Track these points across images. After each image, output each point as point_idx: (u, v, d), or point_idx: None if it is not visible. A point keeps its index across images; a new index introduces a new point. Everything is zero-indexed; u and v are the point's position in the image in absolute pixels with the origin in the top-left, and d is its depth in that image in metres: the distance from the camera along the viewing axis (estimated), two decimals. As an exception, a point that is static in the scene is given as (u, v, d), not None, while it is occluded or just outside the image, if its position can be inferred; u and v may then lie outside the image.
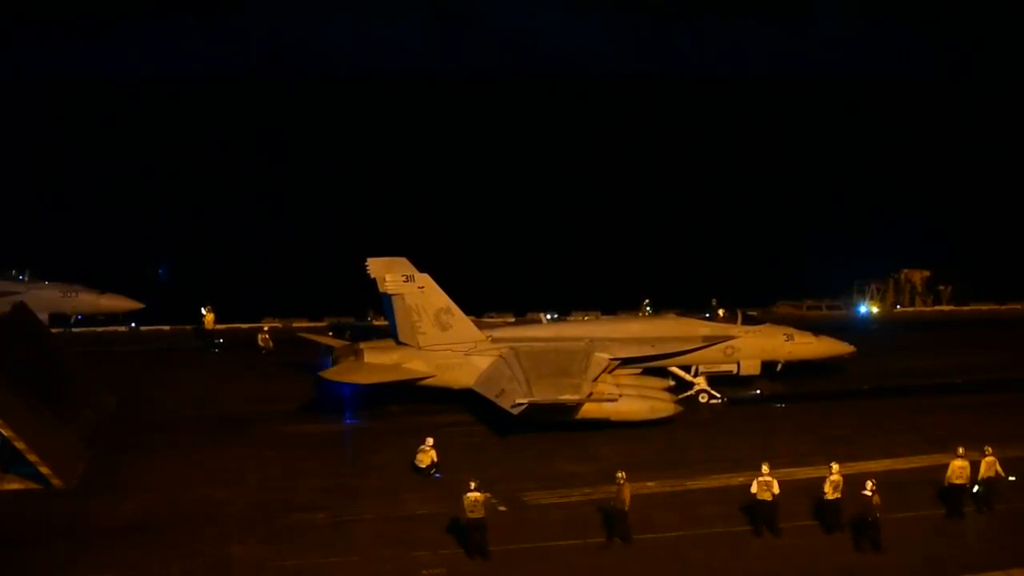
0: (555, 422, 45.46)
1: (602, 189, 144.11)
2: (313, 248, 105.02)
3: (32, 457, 38.40)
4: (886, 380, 55.36)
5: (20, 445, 38.19)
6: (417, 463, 41.35)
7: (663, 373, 50.96)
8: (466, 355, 48.82)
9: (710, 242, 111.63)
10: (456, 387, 48.84)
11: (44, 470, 38.69)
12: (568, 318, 62.17)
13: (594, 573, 34.07)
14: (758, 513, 36.23)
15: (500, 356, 48.47)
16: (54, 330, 61.47)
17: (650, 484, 40.43)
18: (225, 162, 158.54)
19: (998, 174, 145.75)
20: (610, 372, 48.19)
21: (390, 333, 49.94)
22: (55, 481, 38.90)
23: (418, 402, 49.63)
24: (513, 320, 64.29)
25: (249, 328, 66.08)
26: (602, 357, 48.26)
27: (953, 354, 60.63)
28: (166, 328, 67.33)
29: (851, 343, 54.17)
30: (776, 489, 35.86)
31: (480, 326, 51.37)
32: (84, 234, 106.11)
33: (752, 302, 64.78)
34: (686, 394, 50.73)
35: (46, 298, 63.82)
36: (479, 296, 63.74)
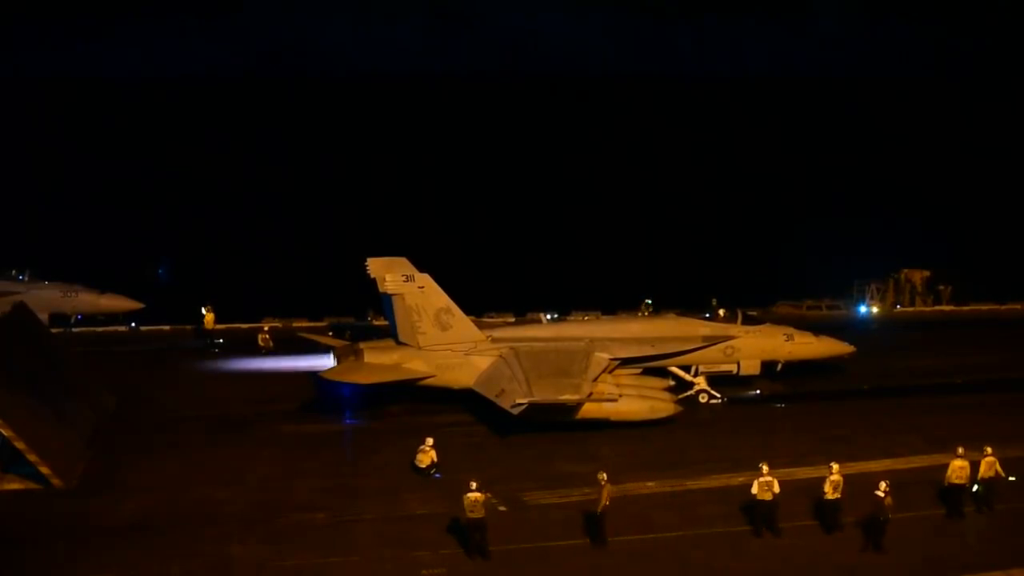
0: (555, 422, 45.46)
1: (602, 189, 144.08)
2: (313, 248, 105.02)
3: (32, 457, 38.40)
4: (886, 380, 55.37)
5: (20, 445, 38.19)
6: (417, 463, 41.36)
7: (663, 373, 50.98)
8: (466, 355, 48.83)
9: (710, 242, 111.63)
10: (456, 387, 48.84)
11: (44, 470, 38.69)
12: (568, 318, 62.19)
13: (594, 573, 34.09)
14: (758, 513, 36.24)
15: (500, 356, 48.48)
16: (54, 330, 61.47)
17: (650, 484, 40.50)
18: (225, 162, 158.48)
19: (998, 174, 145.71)
20: (610, 372, 48.20)
21: (390, 333, 49.95)
22: (55, 481, 38.90)
23: (418, 402, 49.65)
24: (513, 320, 64.31)
25: (249, 328, 66.12)
26: (602, 357, 48.27)
27: (953, 354, 60.64)
28: (166, 328, 67.35)
29: (851, 343, 54.20)
30: (776, 489, 35.88)
31: (480, 326, 51.37)
32: (84, 234, 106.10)
33: (752, 302, 64.79)
34: (686, 394, 50.74)
35: (46, 298, 63.81)
36: (479, 296, 63.74)
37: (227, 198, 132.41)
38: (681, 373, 51.59)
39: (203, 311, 64.34)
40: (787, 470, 40.03)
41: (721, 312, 52.40)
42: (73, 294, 65.30)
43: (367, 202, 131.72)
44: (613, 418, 46.21)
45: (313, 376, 50.72)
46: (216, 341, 63.17)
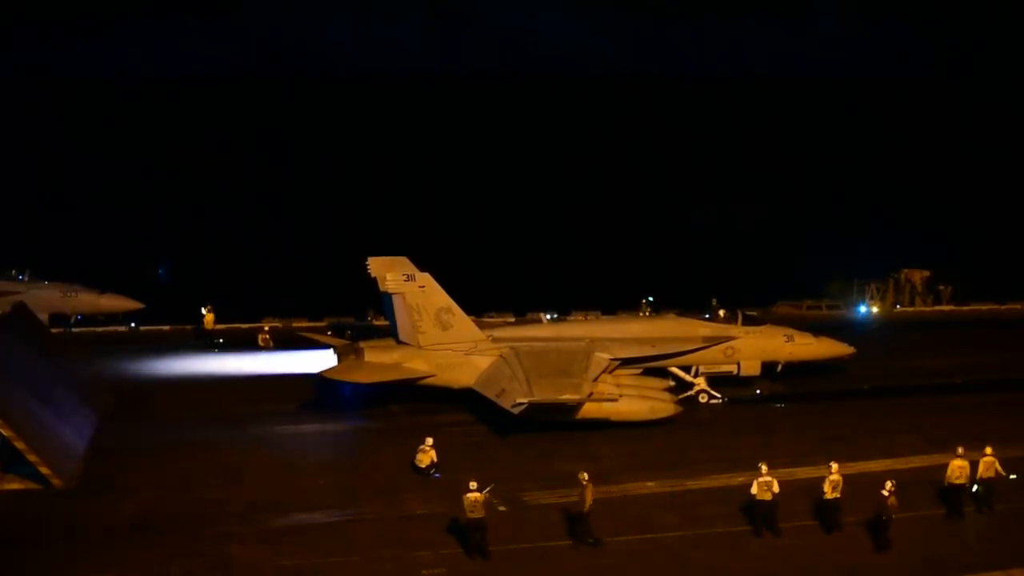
0: (555, 422, 45.48)
1: (602, 189, 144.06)
2: (313, 248, 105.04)
3: (32, 457, 38.37)
4: (886, 380, 55.42)
5: (20, 445, 38.17)
6: (417, 463, 41.35)
7: (663, 373, 50.99)
8: (466, 355, 48.85)
9: (710, 242, 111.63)
10: (456, 387, 48.86)
11: (44, 470, 38.66)
12: (568, 318, 62.23)
13: (594, 573, 34.07)
14: (758, 513, 36.23)
15: (500, 356, 48.51)
16: (54, 330, 61.54)
17: (650, 484, 40.51)
18: (225, 162, 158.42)
19: (998, 174, 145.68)
20: (610, 372, 48.21)
21: (390, 332, 49.97)
22: (55, 481, 38.87)
23: (418, 402, 49.66)
24: (513, 320, 64.34)
25: (249, 328, 66.13)
26: (602, 357, 48.28)
27: (953, 354, 60.74)
28: (166, 328, 67.37)
29: (851, 343, 54.23)
30: (776, 489, 35.87)
31: (480, 326, 51.39)
32: (84, 234, 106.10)
33: (752, 302, 64.80)
34: (686, 394, 50.77)
35: (46, 298, 63.87)
36: (479, 296, 63.76)
37: (227, 198, 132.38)
38: (681, 373, 51.61)
39: (203, 311, 64.41)
40: (787, 470, 40.06)
41: (721, 312, 52.46)
42: (73, 294, 65.35)
43: (367, 202, 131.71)
44: (613, 418, 46.23)
45: (313, 375, 50.71)
46: (216, 341, 63.21)
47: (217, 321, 64.56)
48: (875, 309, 76.06)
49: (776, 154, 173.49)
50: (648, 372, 50.28)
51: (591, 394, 45.12)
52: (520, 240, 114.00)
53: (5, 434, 38.21)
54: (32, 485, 39.00)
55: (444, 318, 48.85)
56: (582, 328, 52.80)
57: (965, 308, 76.12)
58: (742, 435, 46.35)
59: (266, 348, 61.35)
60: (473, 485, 34.12)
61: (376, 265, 49.07)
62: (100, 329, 66.68)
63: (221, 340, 63.44)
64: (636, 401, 46.89)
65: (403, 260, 49.16)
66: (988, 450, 38.15)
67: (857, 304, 76.37)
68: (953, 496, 37.85)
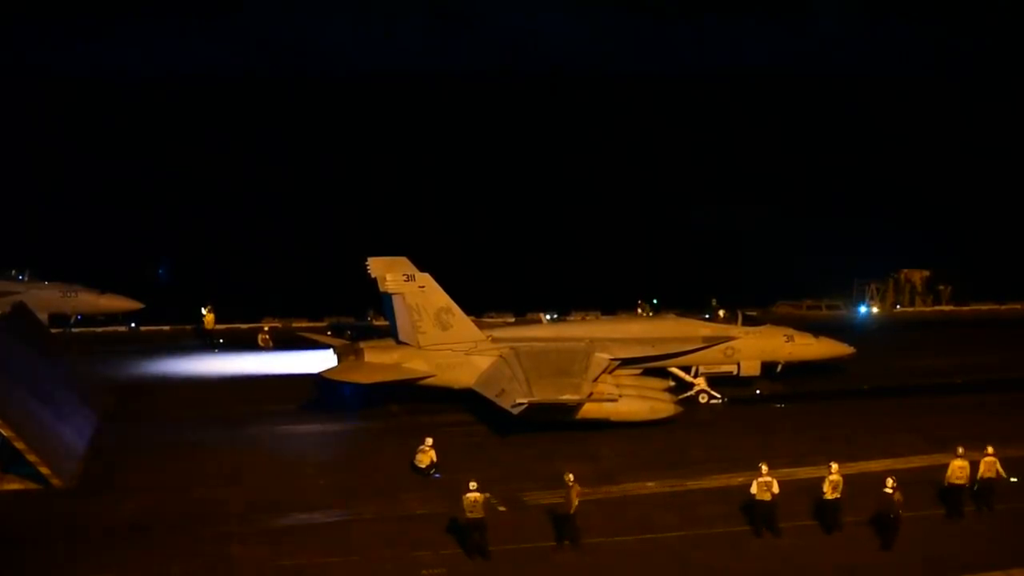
0: (555, 422, 45.48)
1: (602, 189, 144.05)
2: (313, 248, 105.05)
3: (32, 457, 38.38)
4: (886, 380, 55.42)
5: (20, 445, 38.17)
6: (417, 463, 41.34)
7: (663, 374, 50.99)
8: (466, 355, 48.85)
9: (710, 242, 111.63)
10: (456, 387, 48.86)
11: (44, 470, 38.67)
12: (568, 318, 62.24)
13: (594, 573, 34.06)
14: (757, 513, 36.22)
15: (500, 356, 48.51)
16: (54, 330, 61.56)
17: (650, 484, 40.51)
18: (225, 162, 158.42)
19: (998, 174, 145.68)
20: (610, 372, 48.22)
21: (390, 333, 49.97)
22: (55, 481, 38.89)
23: (418, 402, 49.66)
24: (513, 320, 64.35)
25: (249, 328, 66.13)
26: (602, 357, 48.28)
27: (953, 354, 60.75)
28: (166, 328, 67.37)
29: (851, 343, 54.24)
30: (776, 489, 35.86)
31: (480, 326, 51.40)
32: (84, 234, 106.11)
33: (752, 302, 64.80)
34: (686, 394, 50.77)
35: (46, 298, 63.92)
36: (479, 296, 63.76)
37: (227, 198, 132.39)
38: (681, 374, 51.61)
39: (203, 311, 64.41)
40: (787, 470, 40.07)
41: (721, 313, 52.47)
42: (73, 294, 65.38)
43: (367, 202, 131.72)
44: (613, 418, 46.24)
45: (313, 376, 50.71)
46: (216, 341, 63.23)
47: (217, 321, 64.56)
48: (875, 309, 76.06)
49: (776, 154, 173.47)
50: (648, 372, 50.30)
51: (591, 394, 45.13)
52: (520, 240, 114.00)
53: (5, 434, 38.22)
54: (32, 485, 39.01)
55: (444, 318, 48.85)
56: (582, 328, 52.83)
57: (965, 308, 76.15)
58: (742, 435, 46.36)
59: (266, 348, 61.36)
60: (473, 485, 34.11)
61: (376, 265, 49.08)
62: (100, 329, 66.70)
63: (221, 340, 63.46)
64: (636, 401, 46.91)
65: (403, 260, 49.17)
66: (989, 450, 38.14)
67: (857, 304, 76.38)
68: (953, 496, 37.83)
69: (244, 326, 67.17)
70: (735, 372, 52.10)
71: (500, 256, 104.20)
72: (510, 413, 44.49)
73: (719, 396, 51.58)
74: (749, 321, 52.80)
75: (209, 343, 63.13)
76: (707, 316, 52.36)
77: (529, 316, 64.49)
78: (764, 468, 36.12)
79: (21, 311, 52.74)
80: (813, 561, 34.81)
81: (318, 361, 52.25)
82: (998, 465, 38.04)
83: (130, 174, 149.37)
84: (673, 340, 51.01)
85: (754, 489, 35.99)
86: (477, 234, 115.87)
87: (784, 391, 52.90)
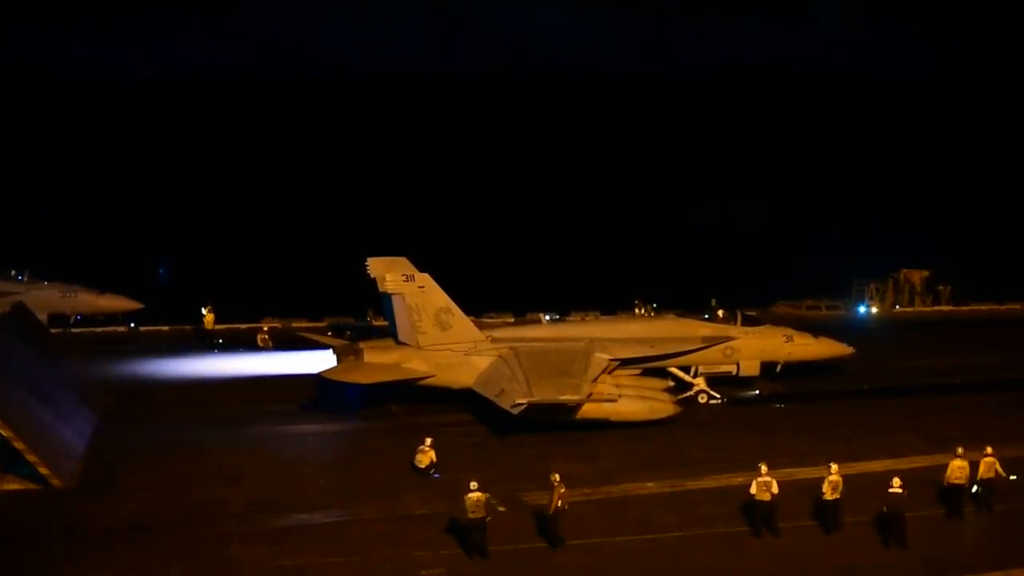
0: (555, 422, 45.49)
1: (602, 189, 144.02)
2: (313, 248, 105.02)
3: (31, 457, 38.37)
4: (886, 380, 55.43)
5: (20, 445, 38.17)
6: (416, 463, 41.36)
7: (663, 374, 50.99)
8: (466, 355, 48.85)
9: (710, 242, 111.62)
10: (456, 387, 48.88)
11: (43, 470, 38.67)
12: (568, 318, 62.23)
13: (594, 573, 34.06)
14: (757, 513, 36.23)
15: (500, 356, 48.52)
16: (54, 330, 61.54)
17: (650, 484, 40.53)
18: (225, 162, 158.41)
19: (998, 174, 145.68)
20: (610, 372, 48.22)
21: (390, 333, 49.98)
22: (54, 481, 38.89)
23: (418, 402, 49.66)
24: (512, 320, 64.35)
25: (249, 328, 66.12)
26: (602, 357, 48.30)
27: (953, 354, 60.73)
28: (166, 328, 67.35)
29: (850, 344, 54.24)
30: (775, 489, 35.86)
31: (480, 326, 51.40)
32: (84, 234, 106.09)
33: (751, 302, 64.78)
34: (685, 395, 50.77)
35: (45, 298, 63.92)
36: (479, 296, 63.76)
37: (227, 198, 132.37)
38: (680, 374, 51.62)
39: (203, 311, 64.40)
40: (787, 470, 40.09)
41: (720, 313, 52.48)
42: (72, 294, 65.38)
43: (367, 202, 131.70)
44: (613, 418, 46.25)
45: (313, 376, 50.71)
46: (216, 341, 63.23)
47: (217, 321, 64.54)
48: (874, 309, 76.06)
49: (776, 154, 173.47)
50: (648, 372, 50.30)
51: (590, 394, 45.15)
52: (520, 240, 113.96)
53: (4, 434, 38.20)
54: (31, 485, 39.00)
55: (443, 318, 48.86)
56: (581, 328, 52.81)
57: (964, 308, 76.16)
58: (742, 435, 46.38)
59: (265, 348, 61.35)
60: (474, 485, 34.12)
61: (376, 265, 49.10)
62: (99, 329, 66.68)
63: (221, 340, 63.45)
64: (635, 401, 46.93)
65: (402, 260, 49.18)
66: (988, 450, 38.16)
67: (856, 304, 76.38)
68: (953, 496, 37.84)
69: (244, 326, 67.15)
70: (734, 372, 52.12)
71: (500, 256, 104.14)
72: (510, 413, 44.50)
73: (718, 396, 51.59)
74: (748, 321, 52.81)
75: (209, 343, 63.11)
76: (706, 316, 52.36)
77: (529, 316, 64.49)
78: (764, 468, 36.13)
79: (21, 311, 52.74)
80: (813, 561, 34.81)
81: (318, 361, 52.23)
82: (997, 465, 38.05)
83: (130, 174, 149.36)
84: (672, 340, 51.03)
85: (754, 489, 36.00)
86: (477, 234, 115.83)
87: (784, 391, 52.91)
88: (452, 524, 35.75)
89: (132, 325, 67.51)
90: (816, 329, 55.05)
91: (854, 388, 54.26)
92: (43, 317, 60.20)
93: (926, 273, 79.43)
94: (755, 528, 36.24)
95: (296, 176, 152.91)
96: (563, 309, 65.58)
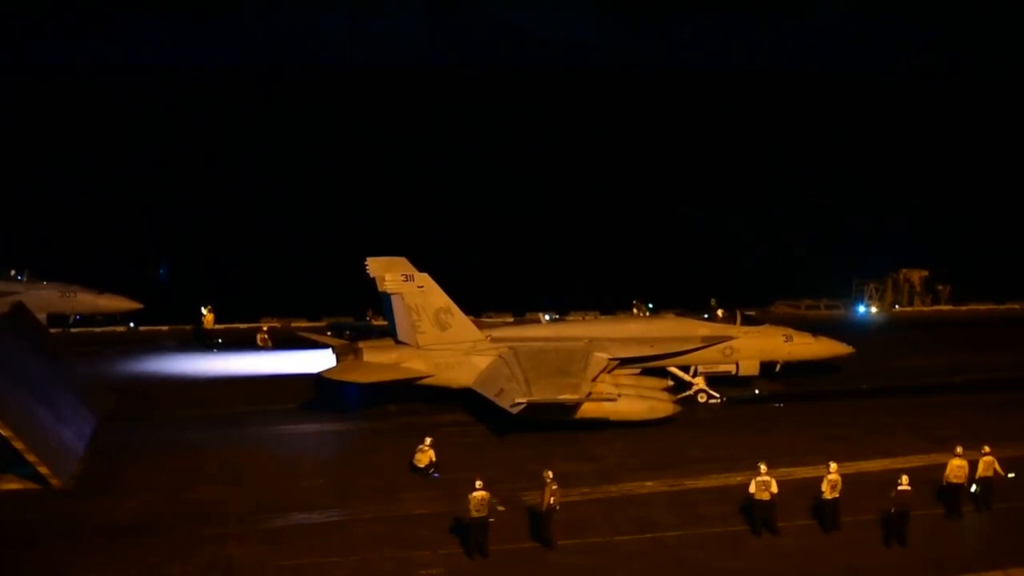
0: (554, 422, 45.50)
1: (601, 189, 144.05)
2: (312, 248, 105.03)
3: (31, 457, 38.36)
4: (885, 380, 55.41)
5: (19, 445, 38.14)
6: (416, 463, 41.36)
7: (662, 373, 51.00)
8: (465, 354, 48.85)
9: (710, 242, 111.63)
10: (455, 386, 48.88)
11: (43, 470, 38.65)
12: (567, 318, 62.23)
13: (594, 573, 34.06)
14: (756, 513, 36.24)
15: (499, 356, 48.50)
16: (53, 330, 61.49)
17: (649, 484, 40.52)
18: (225, 162, 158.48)
19: (998, 174, 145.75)
20: (609, 372, 48.23)
21: (389, 332, 49.98)
22: (54, 481, 38.87)
23: (417, 401, 49.67)
24: (512, 320, 64.35)
25: (248, 328, 66.11)
26: (601, 357, 48.29)
27: (952, 354, 60.70)
28: (165, 328, 67.35)
29: (850, 343, 54.24)
30: (774, 488, 35.88)
31: (480, 326, 51.41)
32: (84, 234, 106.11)
33: (751, 302, 64.78)
34: (685, 394, 50.78)
35: (45, 298, 63.86)
36: (479, 296, 63.75)
37: (227, 198, 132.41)
38: (680, 373, 51.62)
39: (203, 311, 64.37)
40: (786, 470, 40.11)
41: (720, 312, 52.47)
42: (72, 294, 65.33)
43: (367, 202, 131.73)
44: (612, 418, 46.26)
45: (313, 375, 50.72)
46: (216, 341, 63.22)
47: (216, 321, 64.53)
48: (873, 309, 76.06)
49: (777, 153, 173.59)
50: (647, 372, 50.31)
51: (590, 394, 45.15)
52: (520, 240, 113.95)
53: (4, 434, 38.15)
54: (31, 485, 38.98)
55: (443, 318, 48.86)
56: (581, 328, 52.81)
57: (964, 308, 76.15)
58: (741, 435, 46.35)
59: (265, 348, 61.34)
60: (479, 484, 34.13)
61: (375, 265, 49.07)
62: (99, 329, 66.65)
63: (220, 340, 63.43)
64: (635, 401, 46.92)
65: (402, 260, 49.16)
66: (986, 449, 38.16)
67: (856, 304, 76.38)
68: (952, 495, 37.84)
69: (243, 326, 67.14)
70: (734, 372, 52.10)
71: (500, 256, 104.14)
72: (509, 413, 44.50)
73: (718, 396, 51.60)
74: (748, 321, 52.79)
75: (209, 343, 63.11)
76: (706, 316, 52.36)
77: (528, 316, 64.48)
78: (763, 467, 36.14)
79: (20, 311, 52.67)
80: (812, 561, 34.80)
81: (317, 361, 52.23)
82: (996, 464, 38.06)
83: (130, 174, 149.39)
84: (672, 340, 51.00)
85: (753, 488, 36.01)
86: (477, 234, 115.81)
87: (783, 391, 52.91)
88: (452, 524, 35.74)
89: (131, 325, 67.47)
90: (815, 329, 55.04)
91: (853, 388, 54.24)
92: (42, 317, 60.14)
93: (925, 273, 79.41)
94: (754, 527, 36.25)
95: (296, 176, 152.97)
96: (563, 309, 65.58)
